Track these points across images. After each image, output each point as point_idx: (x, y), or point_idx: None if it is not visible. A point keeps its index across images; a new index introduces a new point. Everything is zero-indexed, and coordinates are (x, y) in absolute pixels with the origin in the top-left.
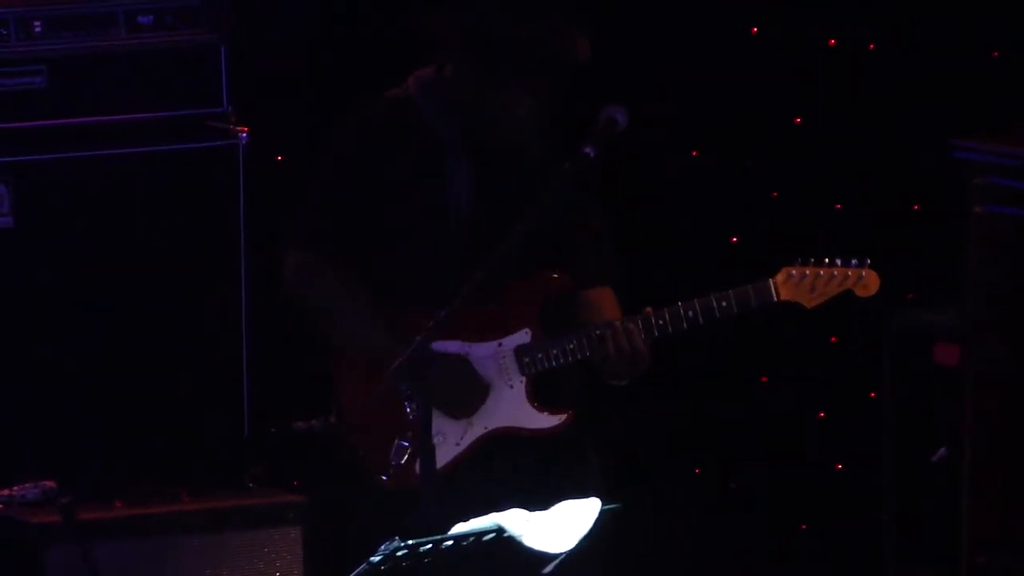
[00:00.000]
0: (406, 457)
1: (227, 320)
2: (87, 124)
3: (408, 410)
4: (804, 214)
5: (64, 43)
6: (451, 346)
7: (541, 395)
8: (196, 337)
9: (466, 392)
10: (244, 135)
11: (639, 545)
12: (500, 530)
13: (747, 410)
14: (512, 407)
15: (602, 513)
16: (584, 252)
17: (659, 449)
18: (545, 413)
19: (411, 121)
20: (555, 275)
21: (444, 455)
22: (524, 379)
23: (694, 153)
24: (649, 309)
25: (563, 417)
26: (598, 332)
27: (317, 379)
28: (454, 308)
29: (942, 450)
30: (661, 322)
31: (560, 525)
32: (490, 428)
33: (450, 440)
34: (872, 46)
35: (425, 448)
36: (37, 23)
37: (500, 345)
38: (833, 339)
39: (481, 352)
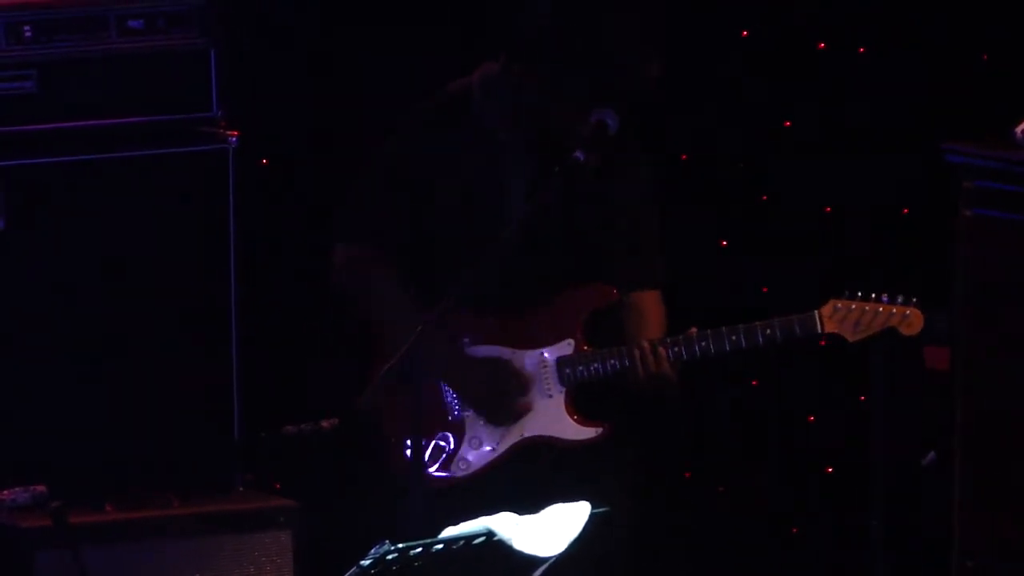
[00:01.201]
0: (444, 456)
1: (217, 324)
2: (77, 128)
3: (449, 410)
4: (794, 217)
5: (54, 47)
6: (495, 352)
7: (580, 406)
8: (186, 341)
9: (508, 399)
10: (234, 139)
11: (629, 549)
12: (490, 534)
13: (737, 413)
14: (550, 417)
15: (592, 517)
16: (634, 253)
17: (648, 454)
18: (582, 425)
19: (470, 119)
20: (603, 287)
21: (479, 459)
22: (564, 390)
23: (683, 157)
24: (694, 329)
25: (599, 430)
26: (635, 351)
27: (307, 383)
28: (444, 310)
29: (932, 454)
30: (704, 343)
31: (549, 529)
32: (527, 436)
33: (486, 445)
34: (862, 49)
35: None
36: (27, 27)
37: (543, 355)
38: (823, 342)
39: (523, 360)
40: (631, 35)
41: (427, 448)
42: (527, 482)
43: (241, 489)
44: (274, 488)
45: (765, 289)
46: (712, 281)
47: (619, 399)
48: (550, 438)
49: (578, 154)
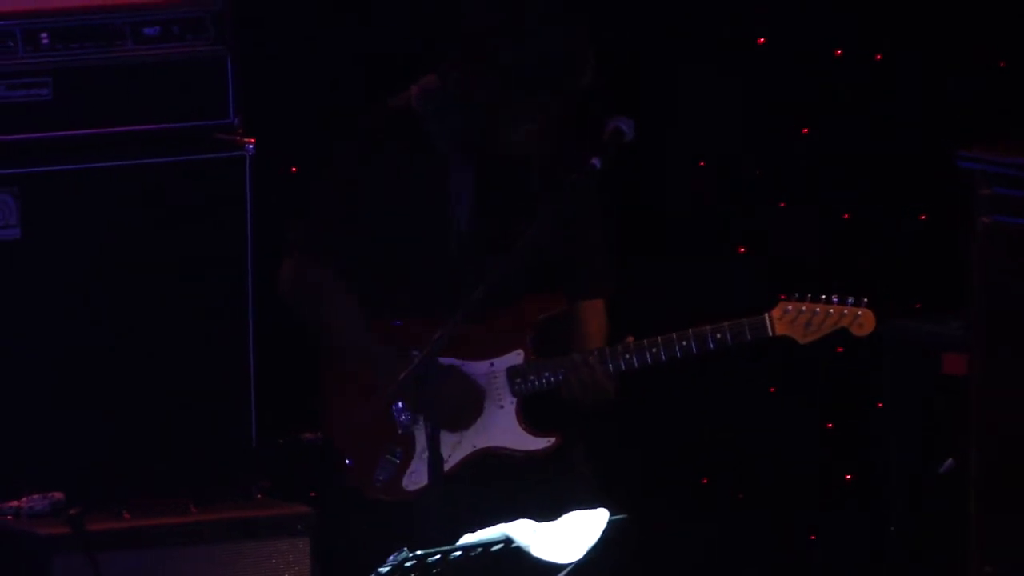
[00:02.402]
0: (394, 469)
1: (234, 331)
2: (93, 136)
3: (399, 424)
4: (812, 224)
5: (70, 54)
6: (445, 363)
7: (531, 416)
8: (203, 348)
9: (463, 404)
10: (251, 146)
11: (648, 556)
12: (508, 541)
13: (755, 420)
14: (502, 428)
15: (611, 523)
16: (579, 263)
17: (667, 460)
18: (534, 435)
19: (413, 131)
20: (552, 296)
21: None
22: (515, 400)
23: (701, 164)
24: (631, 338)
25: (551, 440)
26: (569, 363)
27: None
28: (456, 323)
29: (949, 461)
30: (655, 349)
31: (568, 536)
32: (479, 447)
33: None
34: (879, 56)
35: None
36: (44, 35)
37: (492, 365)
38: (839, 348)
39: (473, 371)
40: (559, 39)
41: (377, 462)
42: (481, 494)
43: (259, 496)
44: (304, 496)
45: (783, 296)
46: (729, 286)
47: (568, 410)
48: (502, 449)
49: (594, 161)
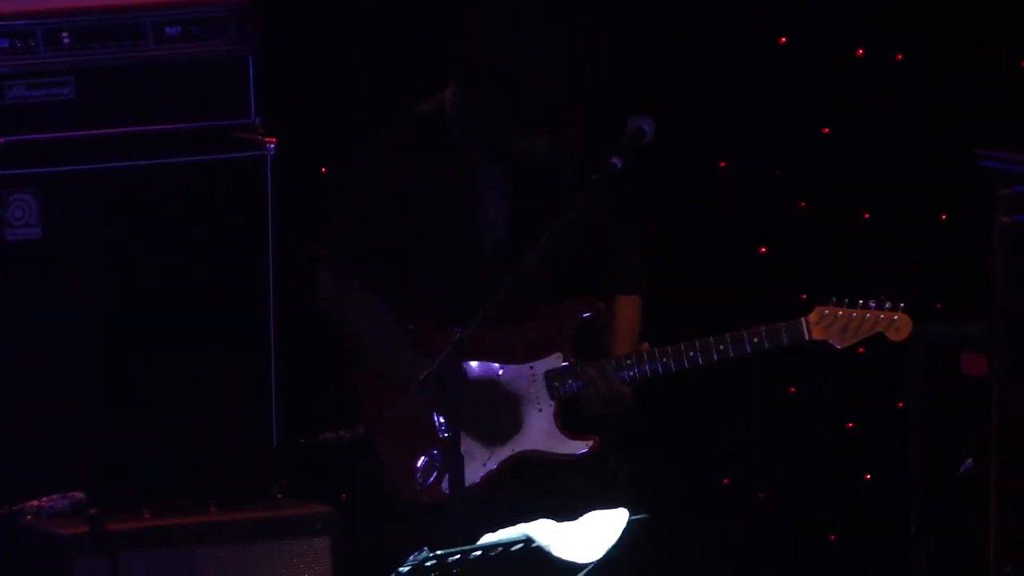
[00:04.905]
0: (435, 472)
1: (256, 331)
2: (114, 135)
3: (438, 427)
4: (832, 224)
5: (91, 54)
6: (484, 367)
7: (570, 420)
8: (225, 348)
9: (496, 422)
10: (272, 146)
11: (668, 555)
12: (528, 540)
13: (775, 420)
14: (540, 431)
15: (630, 523)
16: (615, 258)
17: (687, 459)
18: (572, 439)
19: (444, 137)
20: (589, 299)
21: (472, 475)
22: (553, 403)
23: (721, 164)
24: (645, 345)
25: (590, 444)
26: (588, 373)
27: (345, 391)
28: (481, 321)
29: (969, 461)
30: (692, 353)
31: (588, 535)
32: (517, 451)
33: (478, 460)
34: (900, 56)
35: (455, 463)
36: (65, 34)
37: (531, 368)
38: (861, 349)
39: (512, 374)
40: (566, 40)
41: (419, 465)
42: (520, 497)
43: (279, 496)
44: (328, 498)
45: (804, 296)
46: (749, 288)
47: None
48: (541, 452)
49: (615, 161)
